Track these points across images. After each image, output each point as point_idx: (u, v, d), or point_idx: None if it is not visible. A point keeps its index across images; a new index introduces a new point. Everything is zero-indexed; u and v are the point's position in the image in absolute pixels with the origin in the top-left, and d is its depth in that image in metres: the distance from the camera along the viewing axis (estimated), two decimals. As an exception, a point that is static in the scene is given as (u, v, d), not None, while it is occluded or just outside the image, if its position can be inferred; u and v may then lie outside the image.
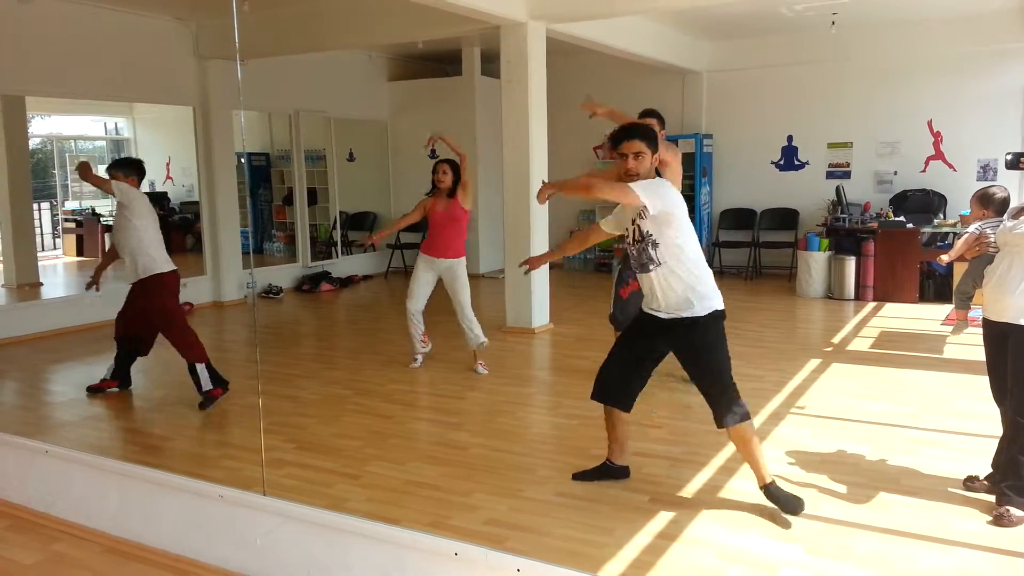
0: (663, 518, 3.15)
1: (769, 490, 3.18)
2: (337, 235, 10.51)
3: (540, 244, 6.79)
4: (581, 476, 3.57)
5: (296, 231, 9.97)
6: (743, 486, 3.43)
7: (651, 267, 3.19)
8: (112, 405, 5.12)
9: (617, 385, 3.45)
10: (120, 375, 5.15)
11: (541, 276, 6.83)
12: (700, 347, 3.30)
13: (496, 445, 4.04)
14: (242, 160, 9.64)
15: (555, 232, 7.90)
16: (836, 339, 6.37)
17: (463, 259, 5.48)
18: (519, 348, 6.33)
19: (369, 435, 4.23)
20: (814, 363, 5.52)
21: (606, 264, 10.49)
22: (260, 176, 11.69)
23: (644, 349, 3.39)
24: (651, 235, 3.16)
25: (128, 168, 4.98)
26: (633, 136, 3.18)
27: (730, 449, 3.86)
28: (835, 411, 4.48)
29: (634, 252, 3.24)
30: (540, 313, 6.86)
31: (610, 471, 3.54)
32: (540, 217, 6.80)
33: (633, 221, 3.22)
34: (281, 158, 11.39)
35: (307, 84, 9.52)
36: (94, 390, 5.13)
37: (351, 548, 2.66)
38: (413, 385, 5.25)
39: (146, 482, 3.16)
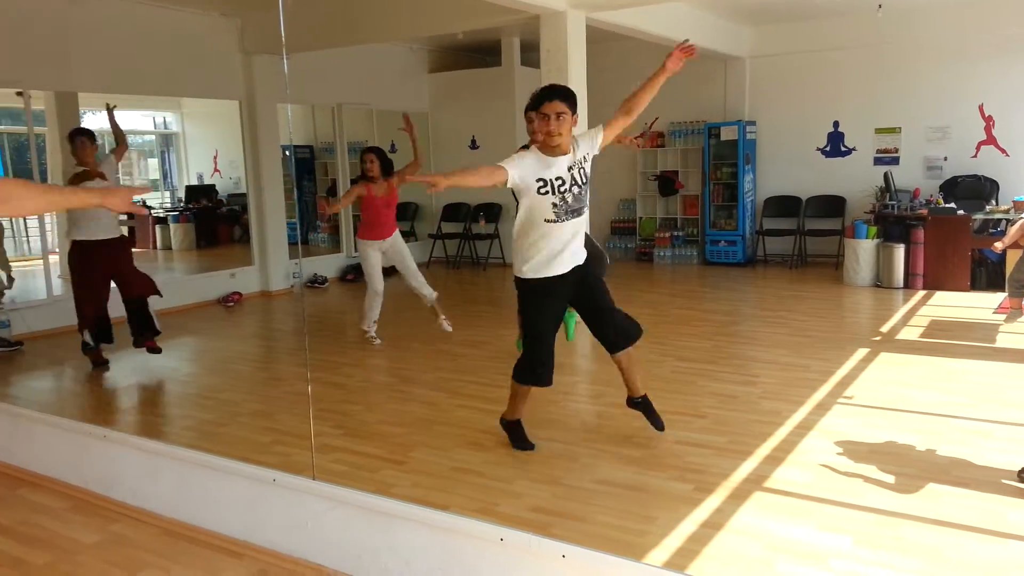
0: (708, 507, 3.14)
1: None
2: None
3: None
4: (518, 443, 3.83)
5: (340, 222, 10.11)
6: (790, 476, 3.41)
7: (582, 211, 3.57)
8: (166, 392, 5.27)
9: (550, 364, 3.70)
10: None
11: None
12: (593, 275, 3.75)
13: (539, 433, 4.05)
14: (287, 153, 9.79)
15: (595, 222, 7.89)
16: (885, 328, 6.26)
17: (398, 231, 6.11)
18: (559, 337, 6.31)
19: (414, 422, 4.29)
20: (862, 352, 5.43)
21: (647, 253, 10.43)
22: (304, 168, 11.86)
23: (557, 318, 3.73)
24: (587, 178, 3.56)
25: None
26: (554, 97, 3.41)
27: (776, 439, 3.84)
28: (884, 401, 4.41)
29: (571, 197, 3.50)
30: (582, 302, 6.85)
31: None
32: (581, 206, 6.79)
33: (577, 165, 3.51)
34: (325, 150, 11.54)
35: (350, 77, 9.62)
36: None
37: (399, 532, 2.71)
38: (456, 373, 5.30)
39: (201, 466, 3.25)
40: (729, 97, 9.98)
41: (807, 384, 4.70)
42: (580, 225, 3.61)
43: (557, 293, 3.62)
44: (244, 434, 4.24)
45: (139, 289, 5.51)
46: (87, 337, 5.49)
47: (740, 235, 9.70)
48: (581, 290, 3.69)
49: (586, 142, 3.58)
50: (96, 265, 5.33)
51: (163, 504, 3.34)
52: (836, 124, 9.49)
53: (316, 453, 3.58)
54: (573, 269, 3.61)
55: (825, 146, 9.60)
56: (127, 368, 5.71)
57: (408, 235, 10.87)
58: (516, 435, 3.86)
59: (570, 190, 3.49)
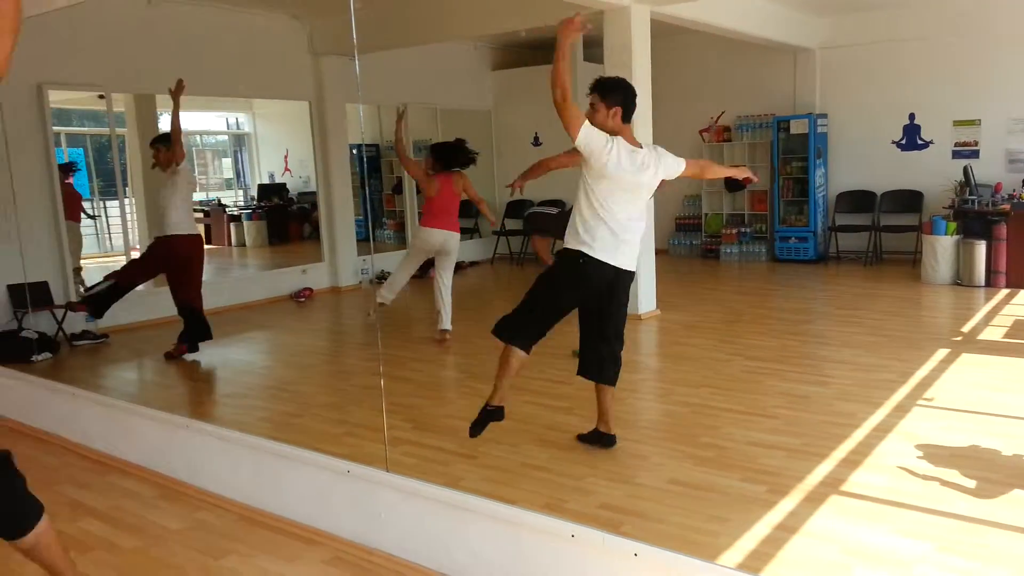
0: (782, 510, 3.08)
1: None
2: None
3: (646, 230, 6.72)
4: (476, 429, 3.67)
5: (405, 219, 10.25)
6: (868, 479, 3.32)
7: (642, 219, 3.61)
8: (242, 383, 5.45)
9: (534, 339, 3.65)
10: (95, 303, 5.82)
11: (647, 262, 6.77)
12: (627, 290, 3.70)
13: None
14: (354, 151, 9.98)
15: (660, 218, 7.82)
16: (966, 328, 6.03)
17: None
18: (625, 334, 6.28)
19: (482, 418, 4.33)
20: (942, 353, 5.24)
21: (713, 250, 10.27)
22: (371, 167, 12.06)
23: (575, 301, 3.62)
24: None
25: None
26: (592, 89, 3.47)
27: (852, 441, 3.75)
28: (966, 404, 4.25)
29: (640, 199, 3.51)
30: (647, 299, 6.80)
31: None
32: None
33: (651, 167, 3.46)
34: (390, 149, 11.71)
35: (414, 77, 9.74)
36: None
37: (470, 525, 2.74)
38: (522, 370, 5.31)
39: (278, 456, 3.35)
40: (799, 89, 9.74)
41: (884, 385, 4.57)
42: (639, 228, 3.58)
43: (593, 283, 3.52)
44: (317, 425, 4.36)
45: (191, 299, 5.75)
46: (100, 287, 5.81)
47: (811, 231, 9.46)
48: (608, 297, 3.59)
49: (664, 157, 3.54)
50: (159, 255, 5.65)
51: (243, 492, 3.46)
52: (912, 116, 9.17)
53: (387, 446, 3.65)
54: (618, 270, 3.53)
55: (901, 139, 9.28)
56: (205, 360, 5.92)
57: (472, 232, 10.96)
58: (481, 421, 3.65)
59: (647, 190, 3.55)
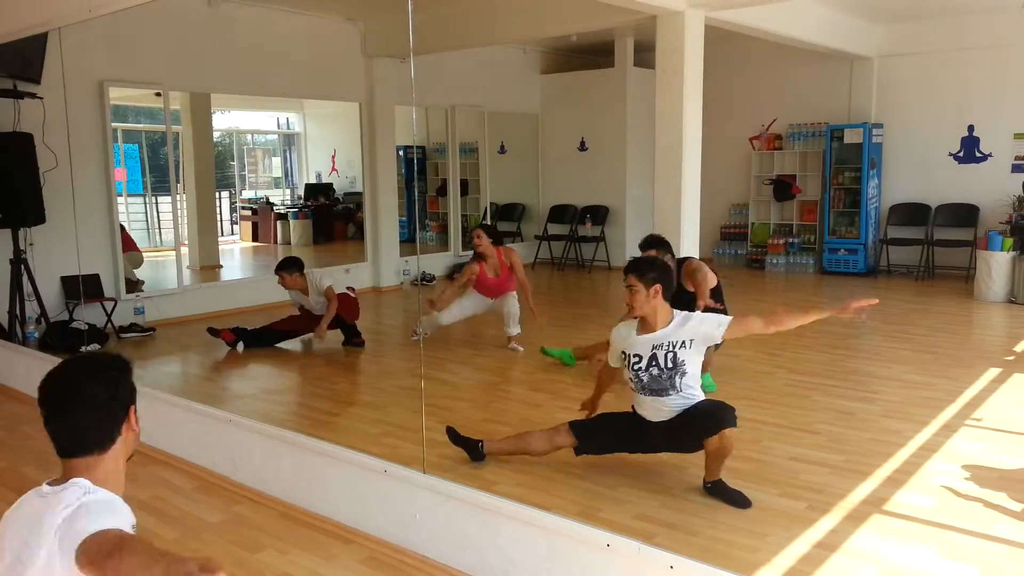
0: (822, 527, 3.02)
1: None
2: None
3: (690, 239, 6.64)
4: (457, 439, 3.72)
5: (449, 221, 10.31)
6: (912, 499, 3.24)
7: (668, 393, 3.34)
8: (283, 380, 5.53)
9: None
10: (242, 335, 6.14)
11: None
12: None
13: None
14: (400, 153, 10.07)
15: (705, 226, 7.73)
16: (1019, 348, 5.83)
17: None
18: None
19: (518, 421, 4.33)
20: (993, 372, 5.08)
21: (758, 260, 10.12)
22: (417, 168, 12.16)
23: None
24: (676, 364, 3.31)
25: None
26: (627, 270, 3.40)
27: (898, 460, 3.65)
28: (1017, 425, 4.12)
29: (647, 377, 3.34)
30: (689, 309, 6.71)
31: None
32: (690, 211, 6.63)
33: (667, 347, 3.31)
34: (436, 151, 11.79)
35: (463, 79, 9.79)
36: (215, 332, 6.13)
37: (505, 530, 2.74)
38: (559, 375, 5.31)
39: (318, 454, 3.39)
40: (855, 98, 9.54)
41: (932, 404, 4.44)
42: (666, 404, 3.35)
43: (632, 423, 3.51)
44: (355, 424, 4.40)
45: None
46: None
47: (862, 243, 9.26)
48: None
49: (696, 325, 3.33)
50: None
51: (281, 488, 3.50)
52: (971, 128, 8.91)
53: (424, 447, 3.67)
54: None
55: (958, 151, 9.03)
56: (247, 355, 6.02)
57: (514, 236, 10.97)
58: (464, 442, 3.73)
59: (647, 370, 3.32)
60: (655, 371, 3.32)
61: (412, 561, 2.94)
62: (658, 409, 3.38)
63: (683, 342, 3.30)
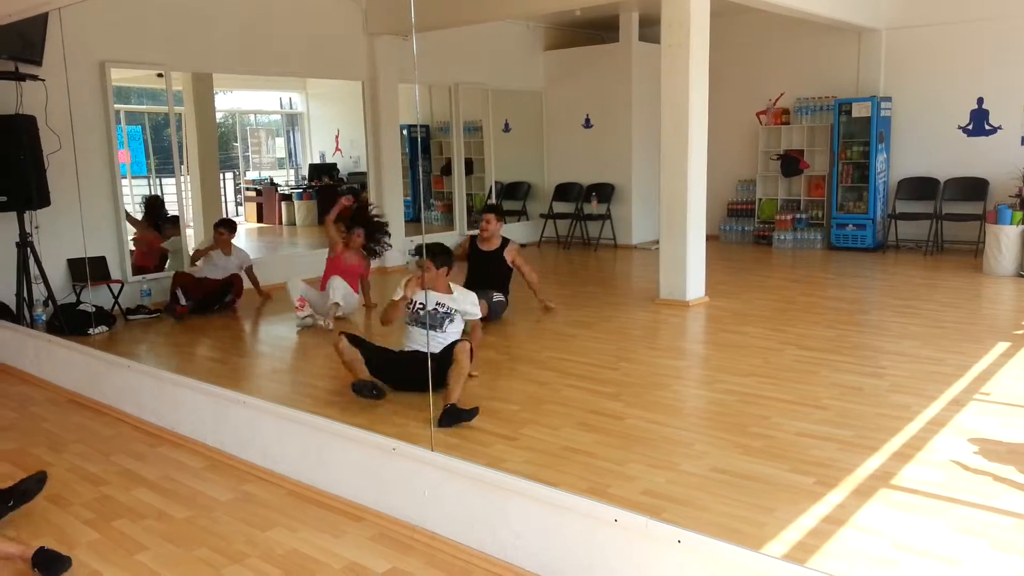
0: (830, 502, 3.02)
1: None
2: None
3: (696, 215, 6.62)
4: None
5: (454, 200, 10.28)
6: (920, 474, 3.23)
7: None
8: (290, 360, 5.54)
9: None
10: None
11: (696, 247, 6.67)
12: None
13: (651, 417, 4.02)
14: (404, 132, 10.02)
15: (712, 203, 7.69)
16: (1029, 322, 5.81)
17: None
18: (673, 320, 6.23)
19: (525, 399, 4.33)
20: (1002, 347, 5.06)
21: (766, 236, 10.07)
22: (421, 147, 12.11)
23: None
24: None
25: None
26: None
27: (906, 435, 3.65)
28: (1027, 399, 4.10)
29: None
30: (695, 286, 6.70)
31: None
32: (696, 188, 6.61)
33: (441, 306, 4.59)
34: (440, 130, 11.73)
35: (466, 57, 9.71)
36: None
37: (513, 506, 2.75)
38: (566, 353, 5.31)
39: (328, 432, 3.40)
40: (863, 71, 9.43)
41: (940, 378, 4.43)
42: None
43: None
44: (363, 403, 4.40)
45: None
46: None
47: (870, 218, 9.20)
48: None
49: (463, 299, 4.70)
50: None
51: (290, 467, 3.52)
52: (980, 101, 8.81)
53: (432, 425, 3.68)
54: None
55: (967, 124, 8.94)
56: (254, 338, 6.03)
57: (519, 215, 10.94)
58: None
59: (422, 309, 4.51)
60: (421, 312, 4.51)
61: (422, 538, 2.95)
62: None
63: (452, 308, 4.53)
